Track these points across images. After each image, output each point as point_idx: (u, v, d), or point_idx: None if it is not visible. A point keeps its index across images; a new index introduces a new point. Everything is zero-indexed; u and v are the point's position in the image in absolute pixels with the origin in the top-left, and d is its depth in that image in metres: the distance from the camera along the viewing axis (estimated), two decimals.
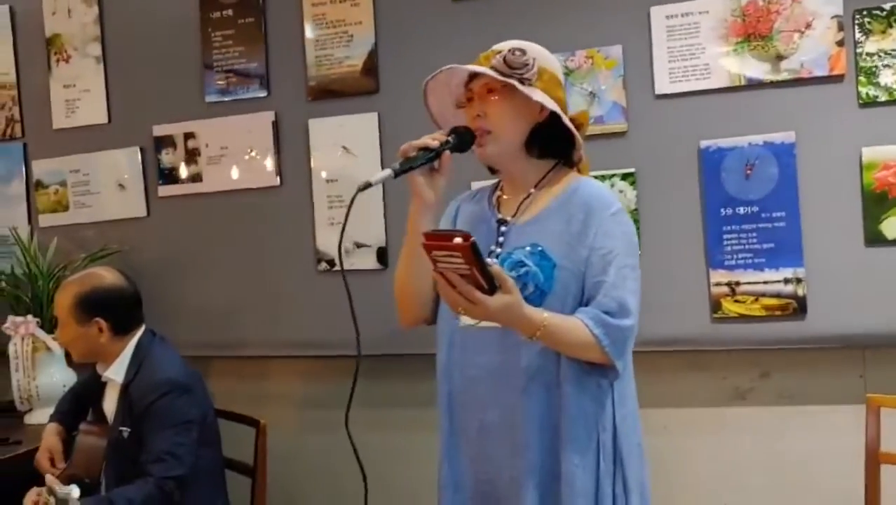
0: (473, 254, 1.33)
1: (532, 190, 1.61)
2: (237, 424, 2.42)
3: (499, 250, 1.58)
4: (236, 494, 2.33)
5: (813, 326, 2.31)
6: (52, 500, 1.78)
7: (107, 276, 2.20)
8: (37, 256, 2.87)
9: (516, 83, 1.54)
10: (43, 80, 3.09)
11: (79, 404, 2.38)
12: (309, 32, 2.74)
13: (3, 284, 2.90)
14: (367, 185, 1.44)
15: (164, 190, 2.94)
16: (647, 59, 2.40)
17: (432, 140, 1.50)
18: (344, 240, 2.65)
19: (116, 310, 2.16)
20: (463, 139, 1.54)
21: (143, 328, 2.22)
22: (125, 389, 2.12)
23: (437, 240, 1.36)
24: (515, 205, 1.61)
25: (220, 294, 2.85)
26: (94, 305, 2.14)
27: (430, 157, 1.51)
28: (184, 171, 2.91)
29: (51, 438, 2.27)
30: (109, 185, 3.01)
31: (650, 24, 2.40)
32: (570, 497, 1.51)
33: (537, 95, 1.55)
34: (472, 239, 1.32)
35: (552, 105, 1.56)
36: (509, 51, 1.54)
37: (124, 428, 2.08)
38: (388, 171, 1.46)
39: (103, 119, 3.01)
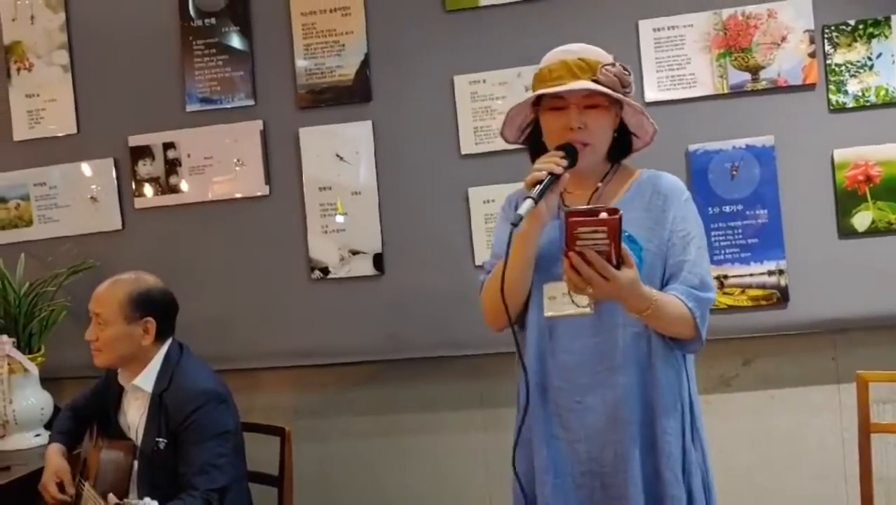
0: (619, 227, 1.41)
1: (600, 184, 1.71)
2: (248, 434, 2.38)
3: None
4: None
5: (793, 313, 2.52)
6: None
7: (153, 278, 2.16)
8: (4, 273, 2.72)
9: (637, 105, 1.65)
10: (1, 89, 2.94)
11: (80, 423, 2.27)
12: (298, 42, 2.75)
13: None
14: (520, 219, 1.49)
15: (142, 202, 2.86)
16: (637, 69, 2.55)
17: (556, 165, 1.55)
18: (342, 247, 2.74)
19: (165, 314, 2.13)
20: (572, 157, 1.60)
21: (171, 338, 2.17)
22: (158, 399, 2.06)
23: (583, 216, 1.43)
24: (583, 199, 1.70)
25: (208, 306, 2.78)
26: (147, 304, 2.09)
27: (555, 179, 1.56)
28: (164, 182, 2.84)
29: (58, 461, 2.16)
30: (80, 198, 2.89)
31: (638, 36, 2.57)
32: (667, 465, 1.62)
33: (647, 119, 1.68)
34: (621, 213, 1.41)
35: (655, 126, 1.69)
36: (622, 67, 1.63)
37: (161, 439, 2.02)
38: (530, 202, 1.50)
39: (72, 129, 2.90)
